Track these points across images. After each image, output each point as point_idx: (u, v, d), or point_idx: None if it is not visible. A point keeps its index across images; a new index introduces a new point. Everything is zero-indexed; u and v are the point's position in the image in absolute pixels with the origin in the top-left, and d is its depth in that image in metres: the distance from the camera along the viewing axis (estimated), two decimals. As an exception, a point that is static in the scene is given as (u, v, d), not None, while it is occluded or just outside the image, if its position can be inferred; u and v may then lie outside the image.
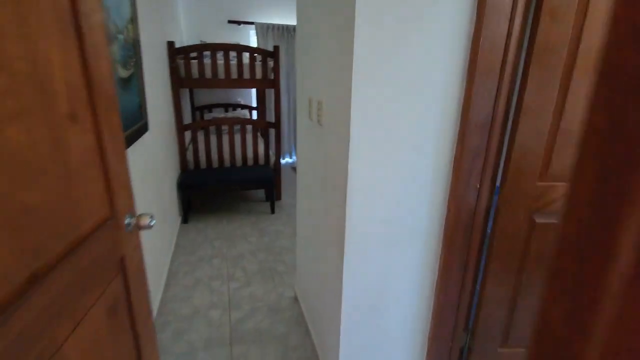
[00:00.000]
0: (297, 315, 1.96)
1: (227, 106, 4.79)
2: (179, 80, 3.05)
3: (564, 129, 1.13)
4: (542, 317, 0.22)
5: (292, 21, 4.74)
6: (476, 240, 1.25)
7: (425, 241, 1.24)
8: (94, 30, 0.72)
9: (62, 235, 0.62)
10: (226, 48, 3.07)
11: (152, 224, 0.93)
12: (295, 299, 2.09)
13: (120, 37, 1.53)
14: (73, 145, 0.65)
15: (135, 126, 1.71)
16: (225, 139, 3.55)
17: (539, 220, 1.25)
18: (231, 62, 3.18)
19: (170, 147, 2.86)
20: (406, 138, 1.10)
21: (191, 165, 3.32)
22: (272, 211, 3.36)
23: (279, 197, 3.68)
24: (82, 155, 0.68)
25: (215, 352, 1.70)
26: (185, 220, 3.11)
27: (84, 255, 0.67)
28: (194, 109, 4.64)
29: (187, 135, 3.56)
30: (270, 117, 4.66)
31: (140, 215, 0.93)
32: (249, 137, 3.93)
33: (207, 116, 4.41)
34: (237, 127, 3.96)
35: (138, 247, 0.94)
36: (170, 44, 2.92)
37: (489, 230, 1.28)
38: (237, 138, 3.74)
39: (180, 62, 3.05)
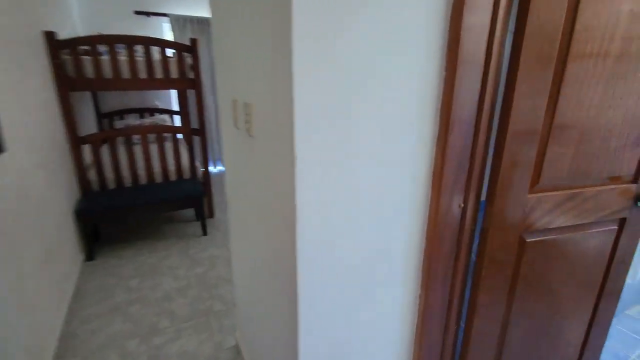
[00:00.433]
0: (242, 371, 1.56)
1: (142, 111, 4.10)
2: (68, 82, 2.41)
3: (559, 125, 0.91)
4: None
5: (213, 13, 4.22)
6: (461, 271, 0.99)
7: (401, 281, 0.95)
8: None
9: None
10: (129, 41, 2.50)
11: None
12: (238, 350, 1.69)
13: None
14: None
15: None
16: (139, 150, 2.95)
17: (530, 239, 1.03)
18: (138, 58, 2.61)
19: (59, 167, 2.23)
20: (372, 149, 0.78)
21: (95, 187, 2.68)
22: (204, 232, 2.87)
23: (211, 215, 3.19)
24: None
25: None
26: (90, 257, 2.48)
27: None
28: (100, 116, 3.88)
29: (88, 149, 2.89)
30: (196, 121, 4.11)
31: None
32: (170, 147, 3.35)
33: (119, 124, 3.70)
34: (153, 136, 3.36)
35: None
36: (49, 35, 2.27)
37: (473, 257, 1.03)
38: (155, 149, 3.14)
39: (67, 58, 2.40)
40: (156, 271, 2.36)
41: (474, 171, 0.88)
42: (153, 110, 4.15)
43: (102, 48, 2.60)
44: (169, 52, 2.81)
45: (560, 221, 1.03)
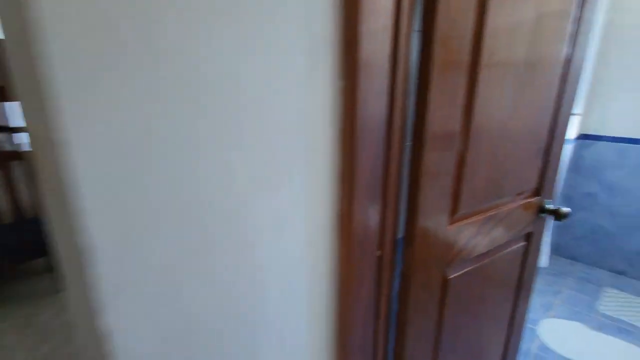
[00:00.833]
0: None
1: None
2: None
3: (475, 141, 0.77)
4: None
5: None
6: (382, 335, 0.77)
7: (309, 368, 0.68)
8: None
9: None
10: None
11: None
12: None
13: None
14: None
15: None
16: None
17: (453, 274, 0.87)
18: None
19: None
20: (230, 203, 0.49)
21: None
22: (59, 289, 2.19)
23: (72, 261, 2.49)
24: None
25: None
26: None
27: None
28: None
29: None
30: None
31: None
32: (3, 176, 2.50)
33: None
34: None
35: None
36: None
37: (393, 310, 0.82)
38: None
39: None
40: (-24, 361, 1.65)
41: (388, 207, 0.67)
42: (-22, 129, 3.11)
43: None
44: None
45: (480, 248, 0.91)
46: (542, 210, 1.05)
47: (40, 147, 0.39)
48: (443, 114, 0.68)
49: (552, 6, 0.79)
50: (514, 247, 1.03)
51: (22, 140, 2.87)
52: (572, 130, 2.29)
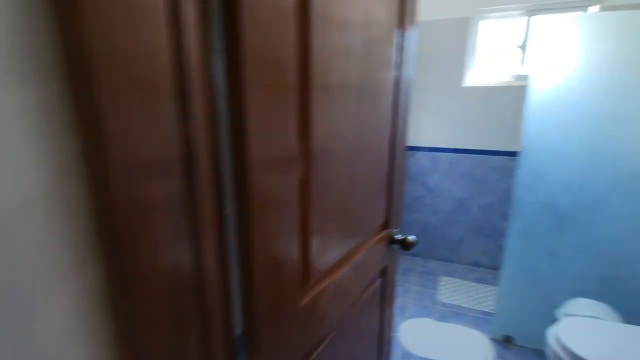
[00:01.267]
0: None
1: None
2: None
3: (320, 180, 0.61)
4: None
5: None
6: None
7: None
8: None
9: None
10: None
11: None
12: None
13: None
14: None
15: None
16: None
17: (312, 355, 0.70)
18: None
19: None
20: None
21: None
22: None
23: None
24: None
25: None
26: None
27: None
28: None
29: None
30: None
31: None
32: None
33: None
34: None
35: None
36: None
37: None
38: None
39: None
40: None
41: (213, 308, 0.43)
42: None
43: None
44: None
45: (339, 312, 0.77)
46: (392, 241, 1.01)
47: None
48: (271, 151, 0.50)
49: (376, 33, 0.72)
50: (371, 289, 0.95)
51: None
52: (399, 145, 2.58)
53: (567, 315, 1.65)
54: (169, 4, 0.34)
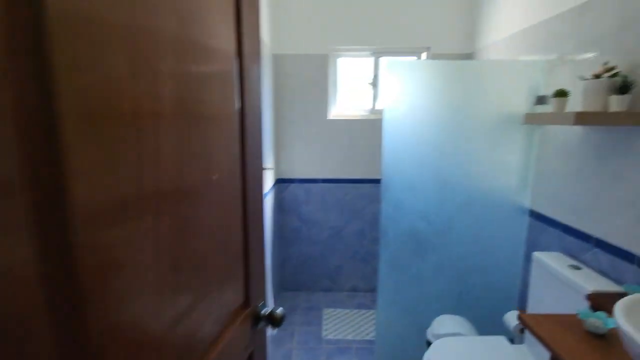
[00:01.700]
0: None
1: None
2: None
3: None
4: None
5: None
6: None
7: None
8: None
9: None
10: None
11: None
12: None
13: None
14: None
15: None
16: None
17: None
18: None
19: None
20: None
21: None
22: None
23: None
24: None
25: None
26: None
27: None
28: None
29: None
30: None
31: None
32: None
33: None
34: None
35: None
36: None
37: None
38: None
39: None
40: None
41: None
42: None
43: None
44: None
45: None
46: (257, 320, 0.83)
47: None
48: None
49: (214, 66, 0.55)
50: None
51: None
52: (269, 178, 2.46)
53: (433, 334, 1.75)
54: None
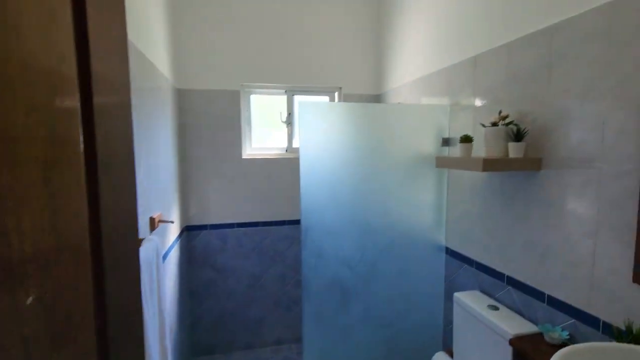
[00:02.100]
0: None
1: None
2: None
3: None
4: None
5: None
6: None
7: None
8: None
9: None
10: None
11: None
12: None
13: None
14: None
15: None
16: None
17: None
18: None
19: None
20: None
21: None
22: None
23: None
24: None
25: None
26: None
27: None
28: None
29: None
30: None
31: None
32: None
33: None
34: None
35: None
36: None
37: None
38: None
39: None
40: None
41: None
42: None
43: None
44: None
45: None
46: None
47: None
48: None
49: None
50: None
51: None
52: (173, 229, 2.13)
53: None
54: None
